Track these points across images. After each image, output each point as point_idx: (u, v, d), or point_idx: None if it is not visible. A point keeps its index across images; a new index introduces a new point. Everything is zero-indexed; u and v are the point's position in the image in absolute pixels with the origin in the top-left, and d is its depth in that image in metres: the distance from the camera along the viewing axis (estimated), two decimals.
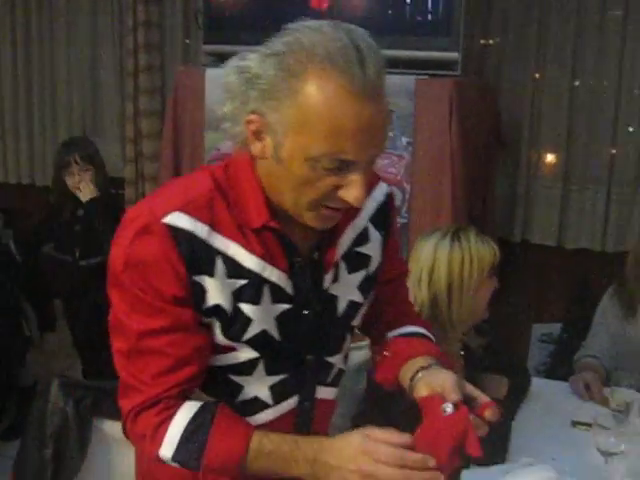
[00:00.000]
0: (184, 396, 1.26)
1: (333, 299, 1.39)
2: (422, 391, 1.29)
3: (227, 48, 3.74)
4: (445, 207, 3.36)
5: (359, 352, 1.79)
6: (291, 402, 1.39)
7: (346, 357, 1.51)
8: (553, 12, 3.90)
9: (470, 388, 1.29)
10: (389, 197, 1.50)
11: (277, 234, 1.27)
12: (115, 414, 1.92)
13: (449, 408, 1.20)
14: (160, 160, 4.10)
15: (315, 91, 1.12)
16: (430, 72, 3.40)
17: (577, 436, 2.17)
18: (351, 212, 1.36)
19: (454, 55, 3.37)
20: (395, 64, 3.46)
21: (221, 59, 3.77)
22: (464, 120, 3.36)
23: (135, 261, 1.20)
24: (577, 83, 3.94)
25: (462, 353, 2.21)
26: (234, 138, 1.24)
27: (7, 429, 3.50)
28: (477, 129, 3.64)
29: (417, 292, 2.10)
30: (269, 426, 1.34)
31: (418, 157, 3.41)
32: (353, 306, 1.44)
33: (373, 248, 1.45)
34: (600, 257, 3.89)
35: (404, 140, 3.42)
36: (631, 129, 3.88)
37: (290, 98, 1.14)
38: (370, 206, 1.44)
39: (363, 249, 1.43)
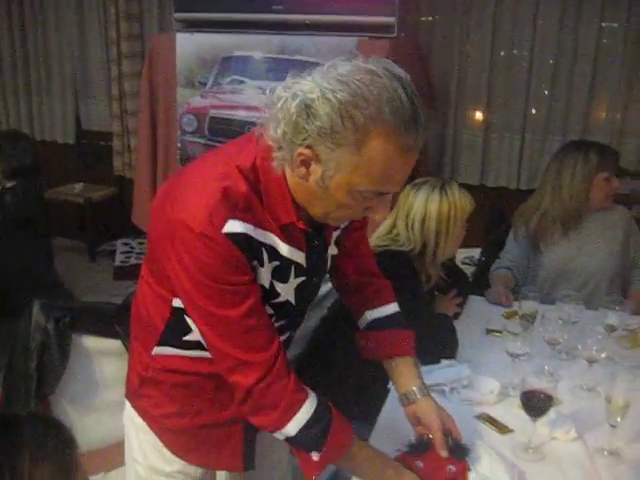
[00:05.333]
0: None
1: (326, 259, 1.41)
2: (411, 418, 1.49)
3: (196, 15, 3.59)
4: None
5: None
6: (284, 337, 1.39)
7: None
8: None
9: (445, 418, 1.45)
10: None
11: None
12: (92, 330, 1.86)
13: (453, 468, 1.38)
14: (139, 115, 3.96)
15: (378, 146, 1.08)
16: (370, 34, 3.29)
17: (490, 342, 2.13)
18: None
19: (391, 19, 3.30)
20: (339, 27, 3.35)
21: (190, 25, 3.65)
22: None
23: (210, 267, 1.15)
24: (496, 49, 3.90)
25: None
26: (279, 159, 1.16)
27: None
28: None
29: (410, 235, 2.11)
30: None
31: None
32: (333, 259, 1.44)
33: None
34: (515, 193, 3.89)
35: None
36: (543, 88, 3.86)
37: (352, 147, 1.08)
38: None
39: None
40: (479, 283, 2.82)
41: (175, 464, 1.43)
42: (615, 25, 3.66)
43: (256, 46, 3.35)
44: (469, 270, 3.05)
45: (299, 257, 1.28)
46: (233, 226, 1.14)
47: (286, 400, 1.22)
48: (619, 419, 1.56)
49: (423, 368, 1.94)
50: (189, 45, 3.46)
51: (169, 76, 3.59)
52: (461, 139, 4.11)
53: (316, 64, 3.22)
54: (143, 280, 1.36)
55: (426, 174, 3.47)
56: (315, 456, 1.26)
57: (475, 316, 2.31)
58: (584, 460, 1.57)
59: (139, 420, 1.44)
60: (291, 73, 1.17)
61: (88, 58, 4.98)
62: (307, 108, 1.08)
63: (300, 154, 1.12)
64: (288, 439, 1.26)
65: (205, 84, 3.50)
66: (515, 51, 3.89)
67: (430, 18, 4.00)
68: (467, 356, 1.99)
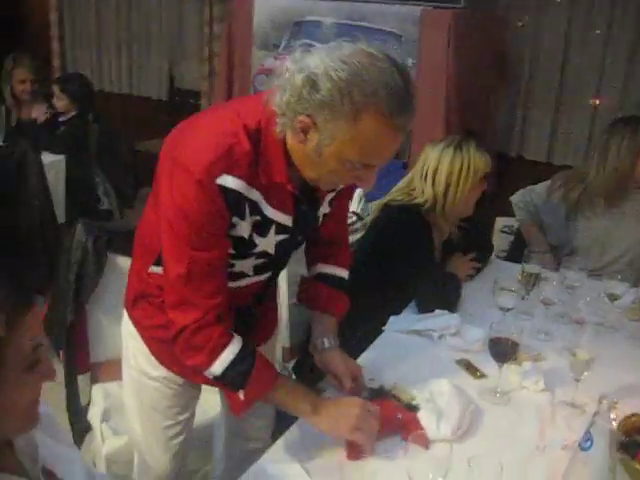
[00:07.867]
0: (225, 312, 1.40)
1: (317, 219, 1.54)
2: (320, 365, 1.66)
3: None
4: (439, 119, 3.37)
5: None
6: (266, 275, 1.55)
7: None
8: None
9: (352, 366, 1.63)
10: None
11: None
12: (125, 250, 2.09)
13: (400, 416, 1.52)
14: (217, 76, 4.18)
15: (371, 123, 1.20)
16: (434, 4, 3.34)
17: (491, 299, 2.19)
18: None
19: None
20: None
21: None
22: (461, 47, 3.31)
23: (195, 211, 1.28)
24: (572, 26, 3.89)
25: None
26: (281, 124, 1.28)
27: None
28: (476, 57, 3.58)
29: (423, 186, 2.20)
30: (247, 286, 1.52)
31: (421, 75, 3.40)
32: (324, 217, 1.56)
33: None
34: None
35: (410, 61, 3.39)
36: (617, 67, 3.81)
37: (348, 120, 1.20)
38: None
39: None
40: (516, 251, 2.88)
41: (160, 370, 1.60)
42: None
43: (326, 12, 3.49)
44: (508, 239, 3.10)
45: (284, 219, 1.39)
46: (227, 180, 1.26)
47: (212, 343, 1.36)
48: (586, 373, 1.63)
49: (417, 315, 2.07)
50: (266, 9, 3.65)
51: (246, 38, 3.80)
52: (530, 116, 4.09)
53: (380, 30, 3.40)
54: (148, 204, 1.53)
55: (492, 149, 3.54)
56: (241, 394, 1.40)
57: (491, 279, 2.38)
58: (545, 409, 1.65)
59: (132, 328, 1.62)
60: (300, 47, 1.31)
61: (184, 20, 5.26)
62: (311, 82, 1.20)
63: (300, 121, 1.24)
64: (215, 378, 1.39)
65: (278, 46, 3.70)
66: (591, 29, 3.84)
67: None
68: (463, 309, 2.09)
